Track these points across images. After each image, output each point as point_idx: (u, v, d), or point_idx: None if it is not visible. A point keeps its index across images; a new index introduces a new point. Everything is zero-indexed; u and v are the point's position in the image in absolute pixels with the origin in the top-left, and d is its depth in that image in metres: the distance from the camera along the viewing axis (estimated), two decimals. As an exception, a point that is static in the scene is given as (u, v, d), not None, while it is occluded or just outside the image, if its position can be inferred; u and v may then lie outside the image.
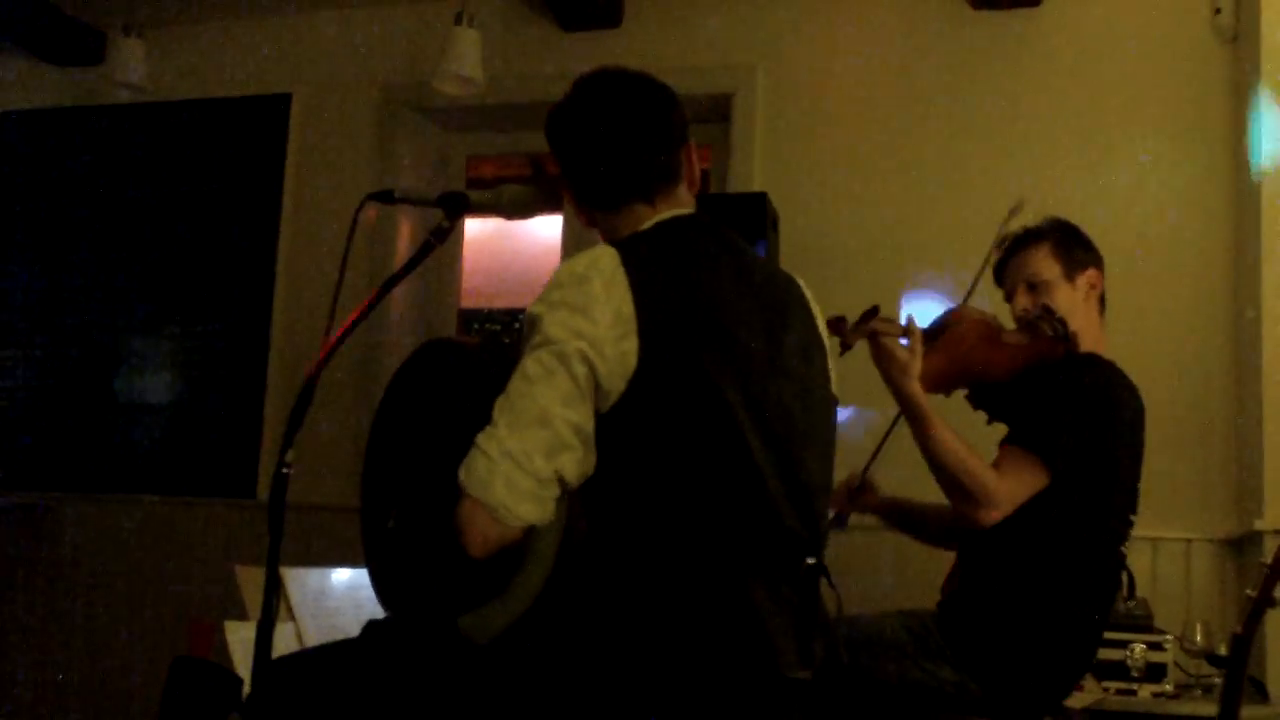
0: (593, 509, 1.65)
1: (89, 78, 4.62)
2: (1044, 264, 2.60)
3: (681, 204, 1.87)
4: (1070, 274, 2.60)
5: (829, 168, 3.90)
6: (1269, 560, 2.07)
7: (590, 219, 1.90)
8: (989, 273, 2.72)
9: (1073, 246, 2.63)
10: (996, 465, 2.38)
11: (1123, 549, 2.51)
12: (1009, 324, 2.62)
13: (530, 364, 1.61)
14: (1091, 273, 2.62)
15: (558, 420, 1.57)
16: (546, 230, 4.71)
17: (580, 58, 4.16)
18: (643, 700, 1.59)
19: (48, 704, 4.29)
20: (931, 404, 2.42)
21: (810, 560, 1.74)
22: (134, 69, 4.26)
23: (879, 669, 2.38)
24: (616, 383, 1.62)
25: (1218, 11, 3.61)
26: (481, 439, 1.57)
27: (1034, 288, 2.60)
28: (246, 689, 1.70)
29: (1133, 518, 2.52)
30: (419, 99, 4.32)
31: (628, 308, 1.63)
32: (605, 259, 1.68)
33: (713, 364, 1.66)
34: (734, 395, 1.66)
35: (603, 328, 1.61)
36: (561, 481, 1.59)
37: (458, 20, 3.94)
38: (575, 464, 1.60)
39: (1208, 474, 3.46)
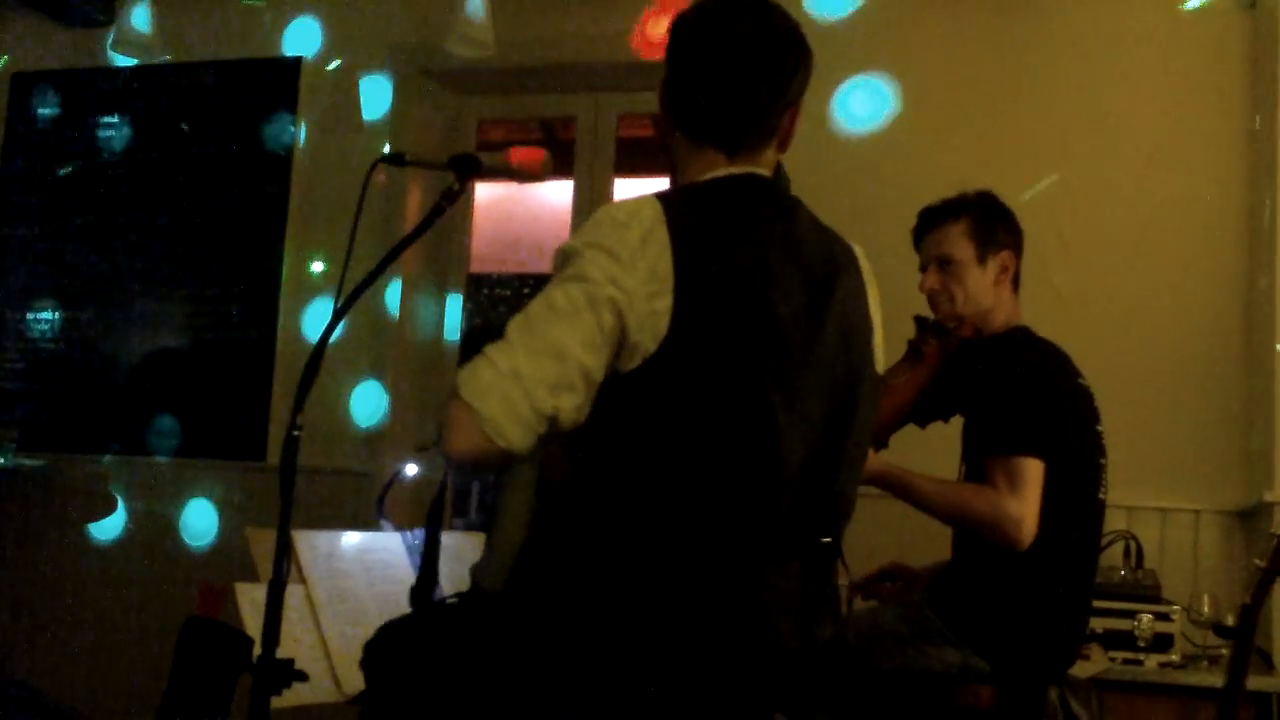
0: (602, 470, 1.60)
1: (99, 39, 4.60)
2: (958, 243, 2.56)
3: (761, 165, 1.76)
4: (983, 256, 2.55)
5: (843, 148, 3.85)
6: (1278, 531, 2.08)
7: (667, 134, 1.80)
8: None
9: (993, 227, 2.57)
10: (993, 484, 2.34)
11: (1101, 495, 2.50)
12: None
13: (559, 294, 1.55)
14: (1005, 255, 2.57)
15: (572, 360, 1.52)
16: (557, 195, 4.69)
17: (592, 21, 4.13)
18: (632, 673, 1.55)
19: (59, 665, 4.32)
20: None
21: (825, 539, 1.68)
22: (144, 31, 4.25)
23: (883, 661, 2.38)
24: (646, 341, 1.55)
25: (1236, -22, 3.58)
26: (493, 349, 1.53)
27: (945, 265, 2.57)
28: (257, 650, 1.70)
29: (1103, 461, 2.51)
30: (429, 62, 4.30)
31: (665, 265, 1.56)
32: (647, 210, 1.60)
33: (748, 336, 1.59)
34: (767, 370, 1.59)
35: (637, 281, 1.55)
36: (554, 421, 1.53)
37: (468, -18, 3.92)
38: (573, 409, 1.54)
39: (1217, 445, 3.45)
